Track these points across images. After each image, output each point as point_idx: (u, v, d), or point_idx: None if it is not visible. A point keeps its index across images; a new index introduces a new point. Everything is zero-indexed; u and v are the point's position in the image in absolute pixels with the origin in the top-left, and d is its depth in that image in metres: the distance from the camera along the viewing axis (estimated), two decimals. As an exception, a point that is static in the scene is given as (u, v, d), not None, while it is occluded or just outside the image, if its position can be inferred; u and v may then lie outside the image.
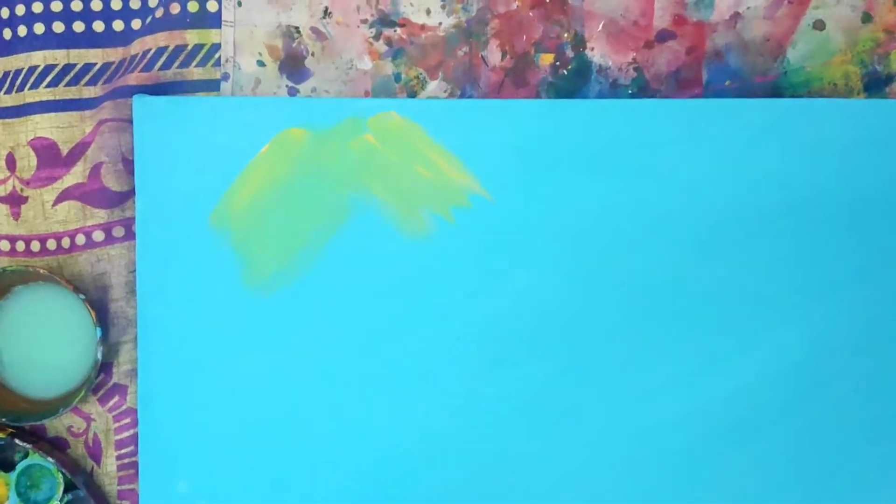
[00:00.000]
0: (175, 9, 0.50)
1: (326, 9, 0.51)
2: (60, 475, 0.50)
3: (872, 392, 0.50)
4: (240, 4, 0.50)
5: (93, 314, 0.48)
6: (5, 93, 0.51)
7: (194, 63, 0.51)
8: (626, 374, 0.50)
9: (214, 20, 0.51)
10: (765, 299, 0.50)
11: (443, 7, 0.51)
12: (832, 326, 0.50)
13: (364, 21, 0.51)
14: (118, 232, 0.51)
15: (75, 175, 0.50)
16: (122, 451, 0.51)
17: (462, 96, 0.51)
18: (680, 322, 0.50)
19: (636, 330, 0.50)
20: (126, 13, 0.51)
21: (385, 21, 0.51)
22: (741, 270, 0.50)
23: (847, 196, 0.50)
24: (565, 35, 0.51)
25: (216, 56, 0.51)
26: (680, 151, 0.50)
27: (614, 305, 0.50)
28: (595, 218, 0.50)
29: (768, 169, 0.50)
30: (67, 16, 0.51)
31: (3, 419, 0.49)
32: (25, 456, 0.50)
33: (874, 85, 0.50)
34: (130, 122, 0.50)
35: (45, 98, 0.50)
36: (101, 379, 0.51)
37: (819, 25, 0.50)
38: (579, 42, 0.51)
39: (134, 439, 0.51)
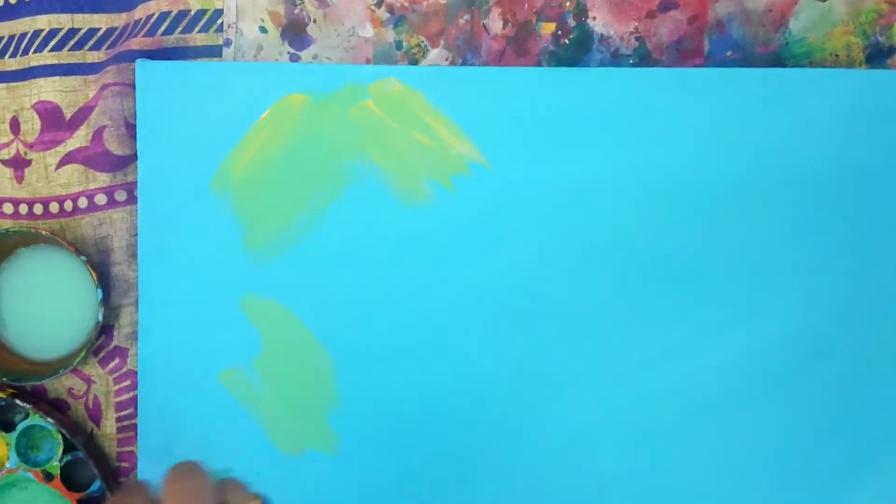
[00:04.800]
0: (179, -25, 0.51)
1: (329, -24, 0.51)
2: (60, 436, 0.50)
3: (864, 366, 0.50)
4: (243, -29, 0.51)
5: (94, 276, 0.49)
6: (10, 56, 0.51)
7: (197, 28, 0.51)
8: (621, 343, 0.50)
9: (218, -14, 0.51)
10: (762, 270, 0.50)
11: (445, -25, 0.51)
12: (830, 298, 0.50)
13: (366, -11, 0.51)
14: (120, 196, 0.51)
15: (78, 139, 0.51)
16: (122, 412, 0.52)
17: (463, 65, 0.51)
18: (676, 291, 0.50)
19: (632, 298, 0.50)
20: (130, -21, 0.51)
21: (387, -11, 0.51)
22: (743, 238, 0.50)
23: (846, 166, 0.49)
24: (567, 4, 0.51)
25: (219, 22, 0.51)
26: (680, 121, 0.49)
27: (611, 274, 0.50)
28: (594, 187, 0.50)
29: (768, 138, 0.49)
30: (72, -19, 0.51)
31: (4, 378, 0.49)
32: (26, 417, 0.51)
33: (876, 56, 0.50)
34: (133, 86, 0.50)
35: (49, 62, 0.51)
36: (101, 341, 0.51)
37: (822, -3, 0.50)
38: (581, 11, 0.51)
39: (134, 402, 0.51)
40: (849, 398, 0.50)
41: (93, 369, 0.52)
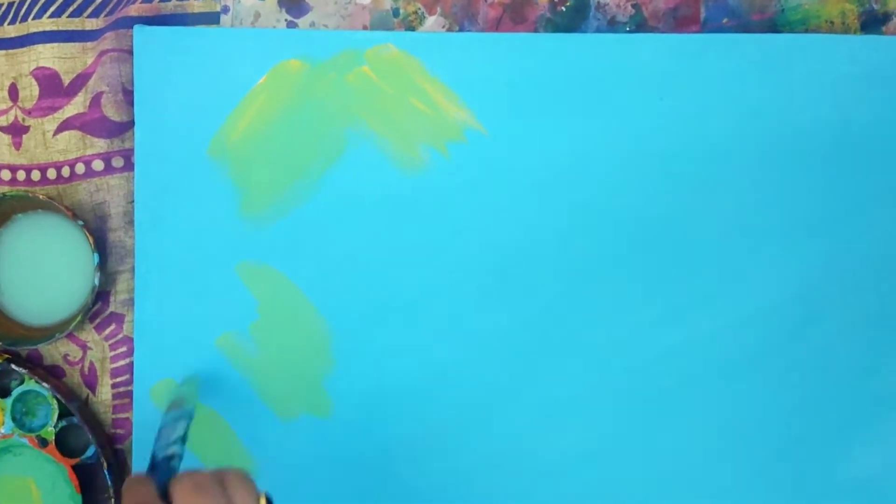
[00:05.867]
0: (177, -57, 0.51)
1: (327, -56, 0.51)
2: (55, 401, 0.50)
3: (867, 324, 0.50)
4: (241, -61, 0.51)
5: (91, 240, 0.49)
6: (9, 23, 0.51)
7: (195, -5, 0.51)
8: (622, 306, 0.50)
9: (216, -46, 0.51)
10: (761, 233, 0.50)
11: (442, -56, 0.51)
12: (823, 263, 0.50)
13: (364, -43, 0.51)
14: (117, 162, 0.51)
15: (76, 105, 0.51)
16: (118, 379, 0.52)
17: (460, 31, 0.51)
18: (676, 254, 0.50)
19: (626, 264, 0.50)
20: (129, -53, 0.51)
21: (384, -43, 0.51)
22: (738, 204, 0.50)
23: (841, 132, 0.49)
24: (563, -29, 0.51)
25: (217, -12, 0.51)
26: (676, 87, 0.50)
27: (610, 239, 0.50)
28: (590, 153, 0.50)
29: (763, 104, 0.49)
30: (72, -51, 0.51)
31: (0, 343, 0.49)
32: (21, 383, 0.51)
33: (871, 23, 0.50)
34: (131, 52, 0.51)
35: (48, 28, 0.51)
36: (98, 307, 0.51)
37: (817, -35, 0.50)
38: (577, -21, 0.51)
39: (129, 368, 0.51)
40: (842, 363, 0.50)
41: (89, 335, 0.52)
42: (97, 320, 0.51)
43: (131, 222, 0.51)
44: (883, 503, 0.49)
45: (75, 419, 0.51)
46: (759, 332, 0.50)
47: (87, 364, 0.52)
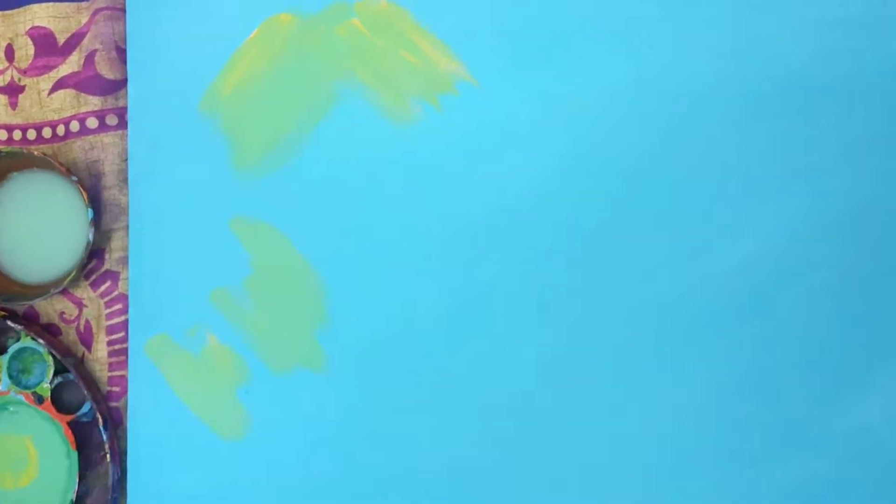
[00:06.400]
0: None
1: None
2: (51, 358, 0.51)
3: (862, 272, 0.49)
4: None
5: (85, 195, 0.49)
6: (5, -15, 0.52)
7: (187, -47, 0.52)
8: (616, 255, 0.50)
9: (207, -87, 0.52)
10: (750, 181, 0.49)
11: None
12: (821, 207, 0.49)
13: (353, -87, 0.51)
14: (111, 120, 0.52)
15: (70, 64, 0.51)
16: (113, 336, 0.52)
17: (450, -15, 0.51)
18: (668, 203, 0.50)
19: (624, 212, 0.50)
20: None
21: (374, -88, 0.51)
22: (729, 152, 0.49)
23: (831, 78, 0.49)
24: (552, -78, 0.51)
25: (208, -54, 0.52)
26: (671, 29, 0.49)
27: (604, 187, 0.50)
28: (583, 102, 0.50)
29: (761, 44, 0.49)
30: (66, -89, 0.52)
31: (-4, 298, 0.50)
32: (17, 340, 0.51)
33: (864, -35, 0.50)
34: (124, 10, 0.51)
35: (42, -11, 0.52)
36: (93, 265, 0.52)
37: None
38: (566, -71, 0.51)
39: (125, 326, 0.51)
40: (836, 312, 0.49)
41: (84, 292, 0.52)
42: (93, 277, 0.52)
43: (125, 180, 0.52)
44: (877, 453, 0.48)
45: (71, 376, 0.51)
46: (750, 281, 0.49)
47: (82, 322, 0.52)
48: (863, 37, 0.49)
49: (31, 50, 0.52)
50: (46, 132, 0.52)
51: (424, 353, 0.50)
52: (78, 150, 0.52)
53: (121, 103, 0.52)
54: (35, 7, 0.52)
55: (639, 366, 0.50)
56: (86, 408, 0.51)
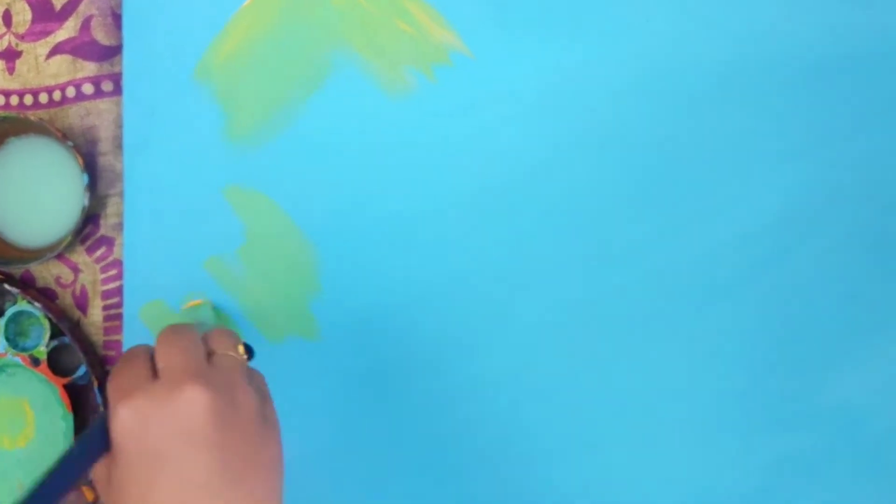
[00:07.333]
0: None
1: None
2: (47, 321, 0.51)
3: (852, 249, 0.49)
4: None
5: (80, 160, 0.49)
6: (2, -51, 0.52)
7: (183, -81, 0.51)
8: (610, 228, 0.50)
9: None
10: (746, 156, 0.49)
11: None
12: (814, 183, 0.49)
13: None
14: (107, 86, 0.52)
15: (67, 29, 0.52)
16: (109, 301, 0.52)
17: (446, -46, 0.51)
18: (664, 175, 0.49)
19: (619, 184, 0.50)
20: None
21: None
22: (725, 127, 0.49)
23: (833, 55, 0.49)
24: None
25: (204, -88, 0.51)
26: (670, 1, 0.49)
27: (597, 163, 0.50)
28: (579, 73, 0.50)
29: (758, 21, 0.49)
30: None
31: (-7, 262, 0.50)
32: (14, 304, 0.52)
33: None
34: (120, -24, 0.51)
35: (39, -47, 0.52)
36: (89, 230, 0.52)
37: None
38: None
39: (120, 291, 0.52)
40: (824, 288, 0.49)
41: (80, 257, 0.52)
42: (88, 243, 0.52)
43: (121, 147, 0.52)
44: (863, 428, 0.49)
45: (67, 339, 0.51)
46: (742, 256, 0.49)
47: (78, 286, 0.52)
48: (865, 15, 0.48)
49: (29, 15, 0.52)
50: (43, 97, 0.52)
51: (417, 322, 0.51)
52: (74, 115, 0.52)
53: (116, 69, 0.52)
54: (32, -28, 0.52)
55: (626, 341, 0.50)
56: (81, 371, 0.52)
